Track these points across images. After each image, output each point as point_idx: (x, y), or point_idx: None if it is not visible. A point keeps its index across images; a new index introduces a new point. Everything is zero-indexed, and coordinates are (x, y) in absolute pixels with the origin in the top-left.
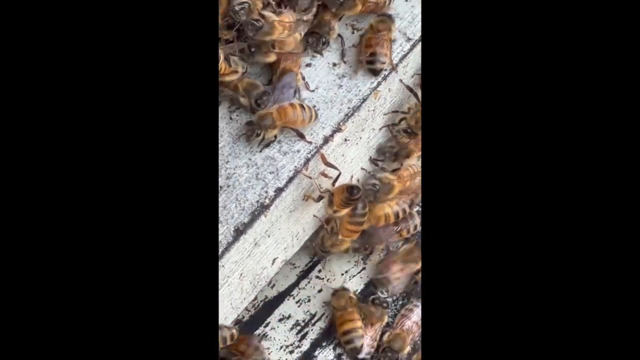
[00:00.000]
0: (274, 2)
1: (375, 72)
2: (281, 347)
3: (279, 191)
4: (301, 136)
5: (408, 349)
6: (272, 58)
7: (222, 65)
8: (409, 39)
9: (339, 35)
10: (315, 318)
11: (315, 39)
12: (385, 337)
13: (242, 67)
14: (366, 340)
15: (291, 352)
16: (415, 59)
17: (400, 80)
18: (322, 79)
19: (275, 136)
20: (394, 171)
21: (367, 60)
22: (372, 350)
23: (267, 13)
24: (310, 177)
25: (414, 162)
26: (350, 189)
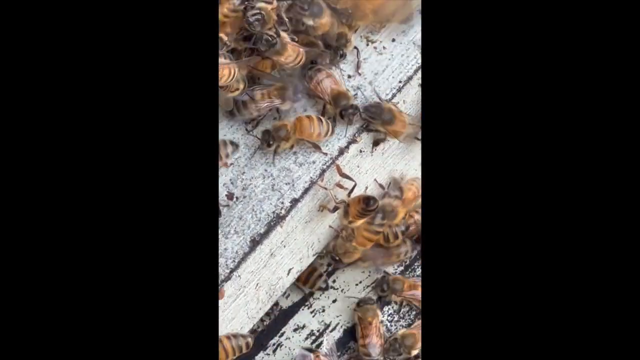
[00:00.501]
0: (287, 21)
1: None
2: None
3: (295, 202)
4: (316, 147)
5: (417, 351)
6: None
7: (228, 81)
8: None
9: (355, 47)
10: (330, 328)
11: (332, 52)
12: (399, 332)
13: (243, 83)
14: (373, 340)
15: None
16: None
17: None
18: None
19: (292, 146)
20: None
21: None
22: (382, 348)
23: (283, 33)
24: (326, 188)
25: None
26: (366, 200)
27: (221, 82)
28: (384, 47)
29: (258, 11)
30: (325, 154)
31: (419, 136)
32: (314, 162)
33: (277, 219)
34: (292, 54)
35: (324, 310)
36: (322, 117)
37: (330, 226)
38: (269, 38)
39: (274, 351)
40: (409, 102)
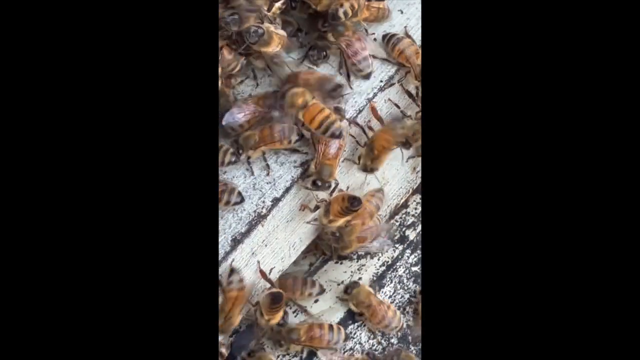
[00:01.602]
0: (269, 14)
1: None
2: (278, 357)
3: (276, 201)
4: (293, 151)
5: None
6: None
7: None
8: None
9: (339, 47)
10: None
11: (316, 52)
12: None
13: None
14: (388, 314)
15: None
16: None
17: (401, 84)
18: None
19: (264, 153)
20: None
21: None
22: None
23: (266, 24)
24: (308, 187)
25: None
26: (351, 199)
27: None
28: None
29: (235, 11)
30: (306, 153)
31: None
32: (295, 161)
33: (259, 218)
34: (279, 42)
35: (306, 310)
36: (285, 125)
37: (306, 222)
38: (257, 29)
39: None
40: (392, 100)
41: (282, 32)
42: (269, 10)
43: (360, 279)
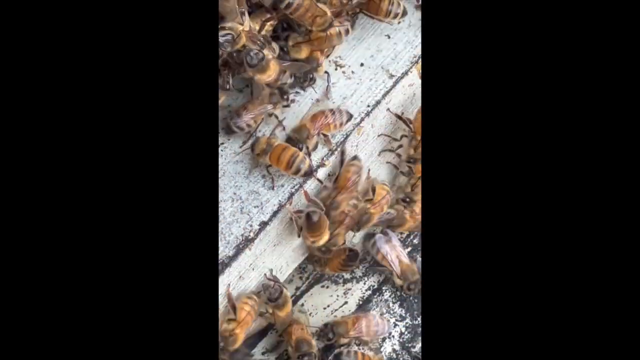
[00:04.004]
0: (262, 37)
1: None
2: None
3: (264, 225)
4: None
5: (347, 340)
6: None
7: None
8: (392, 76)
9: (326, 72)
10: None
11: (302, 75)
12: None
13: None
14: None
15: None
16: (397, 95)
17: (388, 109)
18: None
19: (317, 144)
20: (368, 201)
21: None
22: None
23: (266, 52)
24: (292, 218)
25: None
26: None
27: None
28: (352, 72)
29: (228, 32)
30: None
31: None
32: (282, 186)
33: (246, 242)
34: (273, 73)
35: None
36: (335, 109)
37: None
38: (257, 52)
39: None
40: (377, 125)
41: (279, 61)
42: (259, 31)
43: (346, 303)
